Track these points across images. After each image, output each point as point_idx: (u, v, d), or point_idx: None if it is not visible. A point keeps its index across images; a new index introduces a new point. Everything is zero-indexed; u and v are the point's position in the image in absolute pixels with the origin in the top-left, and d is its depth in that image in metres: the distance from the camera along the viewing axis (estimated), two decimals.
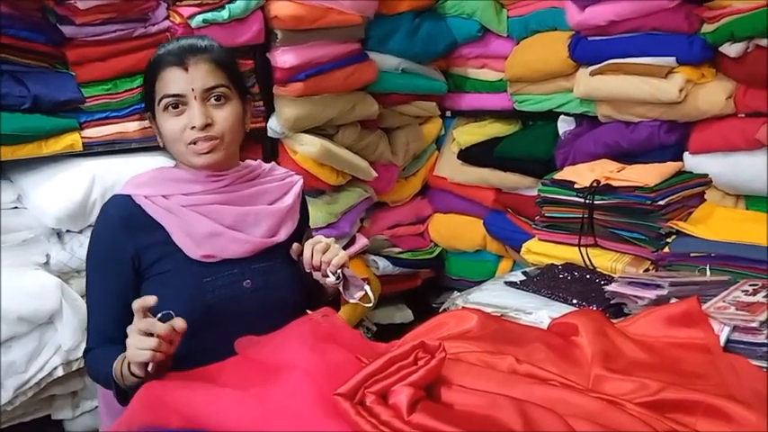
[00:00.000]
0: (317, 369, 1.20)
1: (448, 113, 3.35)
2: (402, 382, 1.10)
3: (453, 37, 3.13)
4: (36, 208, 2.22)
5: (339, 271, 1.47)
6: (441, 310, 1.85)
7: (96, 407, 2.29)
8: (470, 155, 3.11)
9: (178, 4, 2.53)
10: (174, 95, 1.45)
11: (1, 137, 2.18)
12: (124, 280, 1.45)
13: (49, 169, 2.30)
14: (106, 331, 1.45)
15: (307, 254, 1.48)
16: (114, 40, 2.42)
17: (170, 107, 1.46)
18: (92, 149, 2.38)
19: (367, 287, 1.52)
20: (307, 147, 2.80)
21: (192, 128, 1.44)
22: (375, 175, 3.02)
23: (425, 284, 3.42)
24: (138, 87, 2.47)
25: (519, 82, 2.96)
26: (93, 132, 2.39)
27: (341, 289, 1.52)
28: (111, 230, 1.46)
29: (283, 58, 2.71)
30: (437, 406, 1.10)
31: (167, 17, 2.53)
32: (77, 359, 2.15)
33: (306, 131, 2.82)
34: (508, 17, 3.05)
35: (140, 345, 1.25)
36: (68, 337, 2.11)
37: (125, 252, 1.44)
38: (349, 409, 1.06)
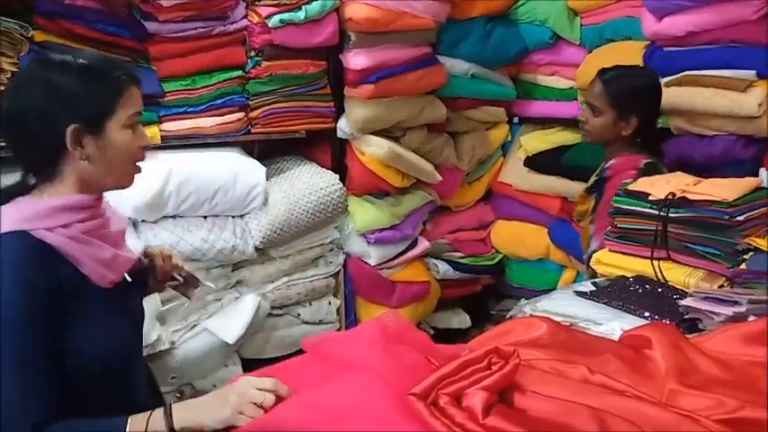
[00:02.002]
0: (389, 370, 1.21)
1: (515, 120, 3.33)
2: (476, 386, 1.11)
3: (525, 43, 3.12)
4: (114, 198, 2.29)
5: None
6: (507, 317, 1.85)
7: (166, 392, 2.35)
8: (537, 162, 3.09)
9: (256, 3, 2.59)
10: (139, 113, 1.43)
11: None
12: (51, 328, 1.29)
13: None
14: (53, 396, 1.26)
15: (159, 262, 1.67)
16: (194, 37, 2.50)
17: (132, 125, 1.40)
18: (169, 143, 2.46)
19: (208, 282, 1.79)
20: (374, 148, 2.83)
21: (142, 147, 1.44)
22: (440, 178, 3.03)
23: (485, 291, 3.41)
24: (215, 84, 2.54)
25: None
26: (171, 126, 2.47)
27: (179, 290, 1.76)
28: (28, 272, 1.28)
29: (355, 59, 2.74)
30: (512, 410, 1.10)
31: (245, 16, 2.60)
32: (147, 346, 2.22)
33: (374, 133, 2.85)
34: (581, 25, 3.02)
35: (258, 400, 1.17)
36: None
37: (43, 297, 1.28)
38: (423, 410, 1.07)
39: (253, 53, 2.63)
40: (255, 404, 1.17)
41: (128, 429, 1.22)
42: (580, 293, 1.72)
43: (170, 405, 1.27)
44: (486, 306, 3.44)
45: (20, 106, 1.35)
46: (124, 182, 1.47)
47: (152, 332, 2.23)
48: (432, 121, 3.00)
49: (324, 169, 2.79)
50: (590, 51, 2.97)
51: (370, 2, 2.69)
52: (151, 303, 2.23)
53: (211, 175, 2.41)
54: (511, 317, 1.76)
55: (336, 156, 2.88)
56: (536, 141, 3.18)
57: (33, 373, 1.25)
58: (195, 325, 2.42)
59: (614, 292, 1.70)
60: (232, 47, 2.59)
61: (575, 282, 2.74)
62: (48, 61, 1.39)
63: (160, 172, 2.31)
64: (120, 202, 2.25)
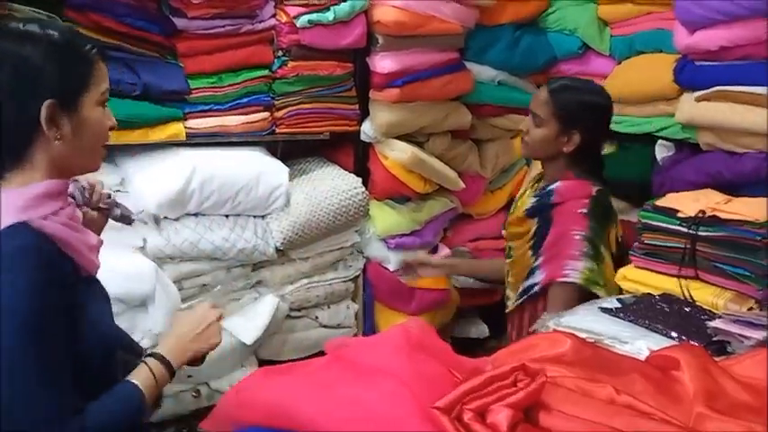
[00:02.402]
0: (412, 378, 1.20)
1: None
2: (501, 402, 1.09)
3: (553, 52, 3.09)
4: (137, 193, 2.30)
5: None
6: (531, 331, 1.82)
7: (182, 390, 2.36)
8: None
9: (285, 2, 2.59)
10: (108, 90, 1.34)
11: None
12: (65, 332, 1.23)
13: (151, 156, 2.38)
14: (69, 403, 1.22)
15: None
16: (222, 34, 2.50)
17: (103, 102, 1.32)
18: (193, 140, 2.45)
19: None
20: (398, 153, 2.81)
21: (111, 127, 1.36)
22: (462, 185, 3.01)
23: (504, 300, 3.37)
24: (241, 82, 2.53)
25: (618, 102, 2.87)
26: (196, 123, 2.46)
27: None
28: (51, 274, 1.20)
29: (382, 63, 2.72)
30: (537, 429, 1.08)
31: (274, 15, 2.59)
32: None
33: (398, 138, 2.84)
34: (611, 36, 2.98)
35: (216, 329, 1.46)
36: (159, 321, 2.17)
37: (59, 298, 1.22)
38: (447, 424, 1.05)
39: (280, 53, 2.62)
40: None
41: (141, 389, 1.30)
42: (605, 310, 1.69)
43: (156, 352, 1.38)
44: (505, 316, 3.40)
45: (2, 68, 1.22)
46: (94, 164, 1.36)
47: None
48: (456, 128, 2.98)
49: (346, 172, 2.77)
50: (619, 63, 2.93)
51: (398, 5, 2.68)
52: (171, 301, 2.23)
53: (235, 174, 2.40)
54: (534, 331, 1.74)
55: (359, 159, 2.87)
56: None
57: (62, 382, 1.21)
58: None
59: (640, 310, 1.67)
60: (259, 46, 2.58)
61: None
62: (9, 32, 1.26)
63: (184, 169, 2.30)
64: (143, 197, 2.27)
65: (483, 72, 3.01)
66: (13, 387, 1.15)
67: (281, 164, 2.57)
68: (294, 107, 2.66)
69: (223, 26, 2.47)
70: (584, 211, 2.07)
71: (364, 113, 2.83)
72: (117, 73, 2.28)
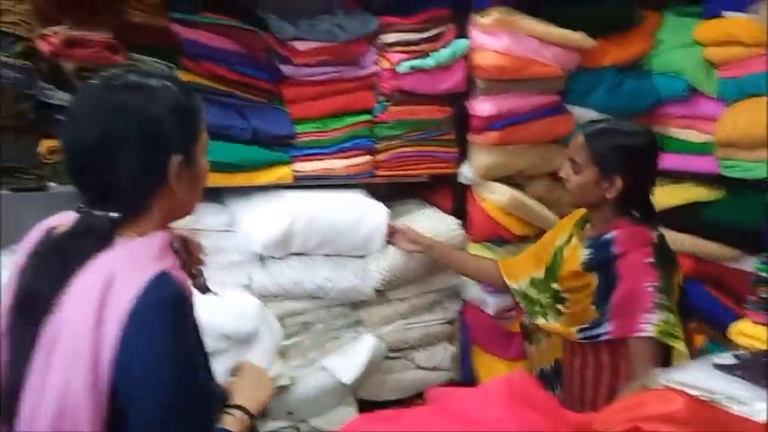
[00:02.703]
0: None
1: None
2: None
3: (658, 95, 3.01)
4: (244, 233, 2.38)
5: None
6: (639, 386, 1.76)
7: (283, 427, 2.40)
8: (667, 217, 2.96)
9: (387, 50, 2.64)
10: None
11: (221, 164, 2.37)
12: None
13: (258, 197, 2.46)
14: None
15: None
16: (327, 81, 2.58)
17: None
18: (299, 182, 2.53)
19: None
20: (497, 195, 2.80)
21: None
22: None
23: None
24: (345, 127, 2.59)
25: (729, 146, 2.79)
26: (302, 166, 2.54)
27: None
28: (192, 321, 1.26)
29: (482, 106, 2.73)
30: None
31: (376, 62, 2.65)
32: None
33: (496, 180, 2.83)
34: (719, 78, 2.89)
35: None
36: (263, 358, 2.23)
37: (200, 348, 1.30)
38: None
39: (381, 98, 2.68)
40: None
41: None
42: (720, 366, 1.61)
43: (241, 405, 1.42)
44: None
45: (108, 135, 1.20)
46: (191, 212, 1.38)
47: (273, 367, 2.27)
48: (557, 170, 2.93)
49: (444, 214, 2.79)
50: (728, 105, 2.83)
51: (499, 49, 2.68)
52: (274, 338, 2.28)
53: (337, 215, 2.46)
54: (642, 386, 1.68)
55: (457, 201, 2.87)
56: (666, 196, 3.04)
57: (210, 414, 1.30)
58: (314, 362, 2.45)
59: (759, 369, 1.59)
60: (362, 91, 2.64)
61: (715, 353, 2.58)
62: (133, 85, 1.25)
63: (289, 210, 2.37)
64: (250, 237, 2.35)
65: (584, 115, 2.95)
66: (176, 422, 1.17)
67: (382, 205, 2.60)
68: (395, 150, 2.71)
69: (328, 73, 2.56)
70: (651, 260, 1.99)
71: (463, 156, 2.84)
72: (229, 118, 2.40)
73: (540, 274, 2.28)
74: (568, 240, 2.25)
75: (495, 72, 2.70)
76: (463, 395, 1.40)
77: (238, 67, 2.42)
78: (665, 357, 1.98)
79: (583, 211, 2.27)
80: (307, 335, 2.44)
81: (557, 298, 2.20)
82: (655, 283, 1.97)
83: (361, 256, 2.56)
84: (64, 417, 1.11)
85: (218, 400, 1.38)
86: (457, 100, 2.79)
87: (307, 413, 2.44)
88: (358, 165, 2.63)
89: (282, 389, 2.35)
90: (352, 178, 2.63)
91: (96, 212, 1.22)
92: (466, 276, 2.66)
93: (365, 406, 2.57)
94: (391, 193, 2.89)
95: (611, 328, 2.01)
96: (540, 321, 2.25)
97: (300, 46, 2.48)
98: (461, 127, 2.82)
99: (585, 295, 2.08)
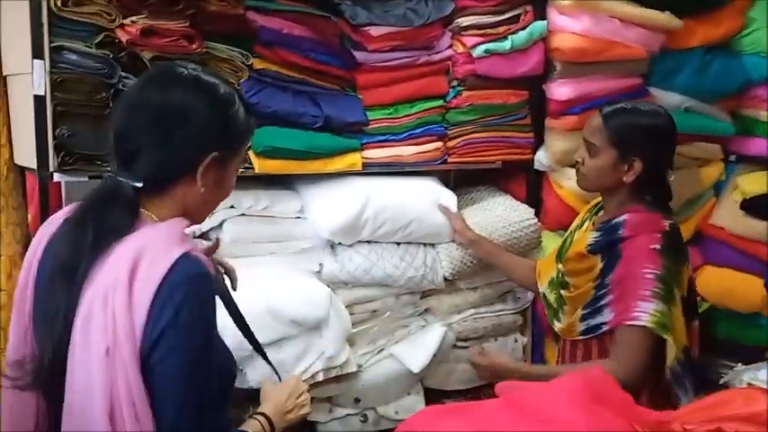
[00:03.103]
0: None
1: (732, 158, 3.05)
2: None
3: (748, 76, 2.87)
4: (315, 219, 2.39)
5: None
6: (720, 383, 1.68)
7: (350, 414, 2.40)
8: (757, 206, 2.82)
9: (462, 33, 2.59)
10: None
11: (293, 152, 2.38)
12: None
13: (329, 184, 2.46)
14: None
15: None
16: (399, 66, 2.54)
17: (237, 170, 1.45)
18: (369, 170, 2.52)
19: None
20: (573, 182, 2.69)
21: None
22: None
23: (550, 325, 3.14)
24: (416, 113, 2.56)
25: None
26: (372, 154, 2.52)
27: None
28: (214, 299, 1.31)
29: (560, 90, 2.65)
30: None
31: (450, 46, 2.60)
32: (336, 367, 2.27)
33: (573, 166, 2.74)
34: None
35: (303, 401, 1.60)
36: (331, 345, 2.23)
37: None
38: None
39: (455, 83, 2.63)
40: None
41: None
42: None
43: (265, 414, 1.51)
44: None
45: (162, 107, 1.32)
46: (204, 219, 1.47)
47: (341, 354, 2.27)
48: None
49: (518, 203, 2.72)
50: None
51: (578, 31, 2.60)
52: (343, 325, 2.29)
53: (407, 202, 2.43)
54: (725, 383, 1.60)
55: (532, 188, 2.80)
56: (755, 183, 2.90)
57: (225, 401, 1.34)
58: (382, 349, 2.44)
59: None
60: (435, 76, 2.60)
61: None
62: (206, 84, 1.36)
63: (359, 197, 2.36)
64: (320, 223, 2.36)
65: (669, 98, 2.83)
66: (180, 401, 1.22)
67: (452, 193, 2.56)
68: (467, 136, 2.65)
69: (401, 58, 2.52)
70: (657, 247, 1.90)
71: (538, 142, 2.77)
72: (301, 106, 2.40)
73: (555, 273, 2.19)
74: (581, 225, 2.20)
75: (575, 55, 2.62)
76: (535, 390, 1.35)
77: (312, 54, 2.41)
78: (657, 351, 1.89)
79: (593, 202, 2.22)
80: (375, 322, 2.43)
81: (561, 283, 2.12)
82: (656, 271, 1.88)
83: (432, 245, 2.53)
84: (114, 386, 1.18)
85: (231, 377, 1.46)
86: (533, 84, 2.71)
87: (374, 400, 2.43)
88: (428, 151, 2.59)
89: (350, 376, 2.35)
90: (424, 165, 2.60)
91: (121, 179, 1.31)
92: (511, 279, 2.55)
93: (432, 395, 2.55)
94: (464, 180, 2.84)
95: (610, 317, 1.92)
96: (556, 325, 2.16)
97: (374, 31, 2.45)
98: (537, 112, 2.74)
99: (589, 279, 2.00)
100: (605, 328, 1.94)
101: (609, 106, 2.06)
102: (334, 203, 2.38)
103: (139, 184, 1.30)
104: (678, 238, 2.00)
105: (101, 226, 1.27)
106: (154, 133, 1.31)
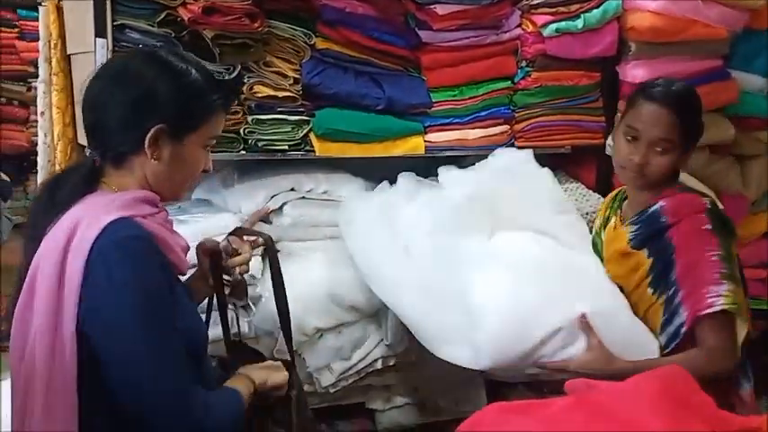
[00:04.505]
0: None
1: None
2: None
3: None
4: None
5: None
6: None
7: (408, 403, 2.36)
8: None
9: (532, 12, 2.49)
10: (215, 139, 1.50)
11: (355, 134, 2.33)
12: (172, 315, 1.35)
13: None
14: (187, 374, 1.35)
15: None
16: (466, 46, 2.46)
17: (206, 146, 1.47)
18: (431, 153, 2.44)
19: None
20: None
21: (205, 170, 1.49)
22: (720, 206, 2.71)
23: (762, 338, 2.99)
24: (482, 95, 2.47)
25: None
26: (436, 137, 2.45)
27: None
28: (155, 260, 1.33)
29: (634, 71, 2.53)
30: None
31: (519, 25, 2.51)
32: (395, 355, 2.23)
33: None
34: None
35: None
36: (390, 333, 2.19)
37: (167, 282, 1.35)
38: None
39: (523, 63, 2.53)
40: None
41: (243, 396, 1.44)
42: None
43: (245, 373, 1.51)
44: (762, 357, 3.01)
45: (136, 84, 1.38)
46: (177, 195, 1.50)
47: (400, 343, 2.22)
48: (716, 142, 2.68)
49: (589, 191, 2.60)
50: None
51: (655, 9, 2.47)
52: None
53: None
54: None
55: (603, 174, 2.68)
56: None
57: (180, 355, 1.32)
58: None
59: None
60: (503, 57, 2.51)
61: None
62: (161, 58, 1.43)
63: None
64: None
65: (750, 81, 2.69)
66: (137, 360, 1.27)
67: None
68: (535, 119, 2.56)
69: (468, 38, 2.44)
70: (709, 227, 1.77)
71: (610, 126, 2.65)
72: (363, 87, 2.35)
73: None
74: (605, 224, 2.04)
75: (650, 34, 2.50)
76: (610, 390, 1.27)
77: (375, 33, 2.35)
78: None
79: (611, 194, 2.11)
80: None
81: None
82: (717, 252, 1.76)
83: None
84: (43, 356, 1.26)
85: (201, 338, 1.46)
86: (606, 65, 2.60)
87: (432, 391, 2.39)
88: (494, 135, 2.51)
89: (410, 365, 2.30)
90: (489, 149, 2.51)
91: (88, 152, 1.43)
92: None
93: (494, 387, 2.47)
94: None
95: (686, 315, 1.76)
96: None
97: (440, 10, 2.37)
98: (610, 94, 2.63)
99: (637, 278, 1.86)
100: (684, 329, 1.79)
101: (664, 94, 1.85)
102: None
103: (97, 157, 1.40)
104: (720, 212, 1.88)
105: (53, 196, 1.38)
106: (104, 104, 1.38)
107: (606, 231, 2.02)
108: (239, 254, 1.64)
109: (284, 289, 1.66)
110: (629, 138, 1.86)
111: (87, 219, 1.30)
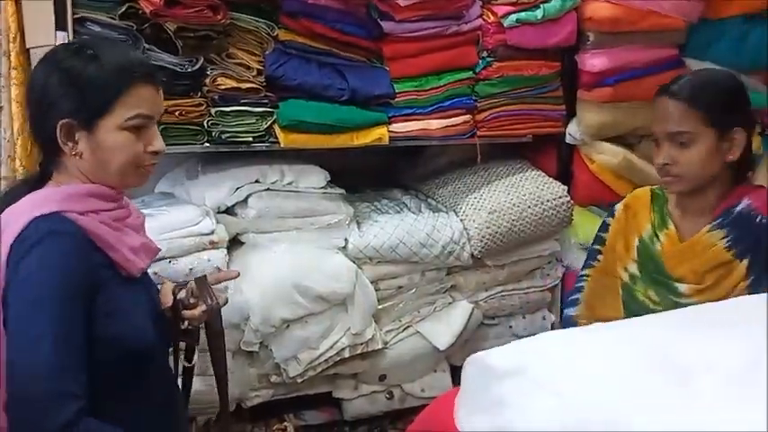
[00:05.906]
0: None
1: None
2: None
3: None
4: (342, 194, 2.35)
5: None
6: None
7: (376, 391, 2.39)
8: None
9: (493, 2, 2.51)
10: (146, 117, 1.39)
11: (319, 125, 2.33)
12: (86, 317, 1.30)
13: None
14: (85, 383, 1.26)
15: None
16: (427, 37, 2.47)
17: (133, 127, 1.38)
18: (395, 144, 2.46)
19: None
20: (606, 156, 2.65)
21: (150, 151, 1.41)
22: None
23: None
24: (444, 85, 2.49)
25: None
26: (399, 127, 2.46)
27: None
28: (71, 254, 1.29)
29: (593, 61, 2.58)
30: None
31: (480, 15, 2.53)
32: (362, 343, 2.26)
33: (606, 140, 2.67)
34: None
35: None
36: (358, 321, 2.22)
37: (83, 283, 1.30)
38: None
39: (485, 54, 2.55)
40: None
41: None
42: None
43: None
44: None
45: (34, 88, 1.40)
46: (126, 183, 1.44)
47: (367, 330, 2.26)
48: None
49: (550, 179, 2.65)
50: None
51: (614, 0, 2.51)
52: (368, 301, 2.27)
53: None
54: None
55: (563, 162, 2.74)
56: None
57: (72, 352, 1.25)
58: (408, 326, 2.42)
59: None
60: (465, 47, 2.53)
61: None
62: (68, 48, 1.44)
63: None
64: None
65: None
66: (21, 342, 1.23)
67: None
68: (496, 109, 2.59)
69: (430, 28, 2.45)
70: None
71: (570, 114, 2.70)
72: (327, 78, 2.35)
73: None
74: (655, 233, 1.81)
75: (609, 24, 2.54)
76: None
77: (337, 25, 2.35)
78: None
79: (642, 192, 1.89)
80: (401, 299, 2.41)
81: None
82: None
83: (461, 221, 2.48)
84: None
85: (137, 349, 1.38)
86: (566, 54, 2.64)
87: (400, 378, 2.42)
88: (457, 125, 2.53)
89: (376, 353, 2.33)
90: (451, 139, 2.54)
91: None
92: None
93: (459, 372, 2.51)
94: (493, 153, 2.77)
95: None
96: None
97: (402, 1, 2.38)
98: (569, 83, 2.67)
99: (731, 283, 1.69)
100: None
101: (675, 85, 1.73)
102: None
103: (41, 157, 1.43)
104: None
105: (6, 196, 1.44)
106: (28, 111, 1.44)
107: (659, 242, 1.80)
108: (196, 306, 1.55)
109: (224, 353, 1.64)
110: (654, 143, 1.76)
111: (16, 216, 1.32)
